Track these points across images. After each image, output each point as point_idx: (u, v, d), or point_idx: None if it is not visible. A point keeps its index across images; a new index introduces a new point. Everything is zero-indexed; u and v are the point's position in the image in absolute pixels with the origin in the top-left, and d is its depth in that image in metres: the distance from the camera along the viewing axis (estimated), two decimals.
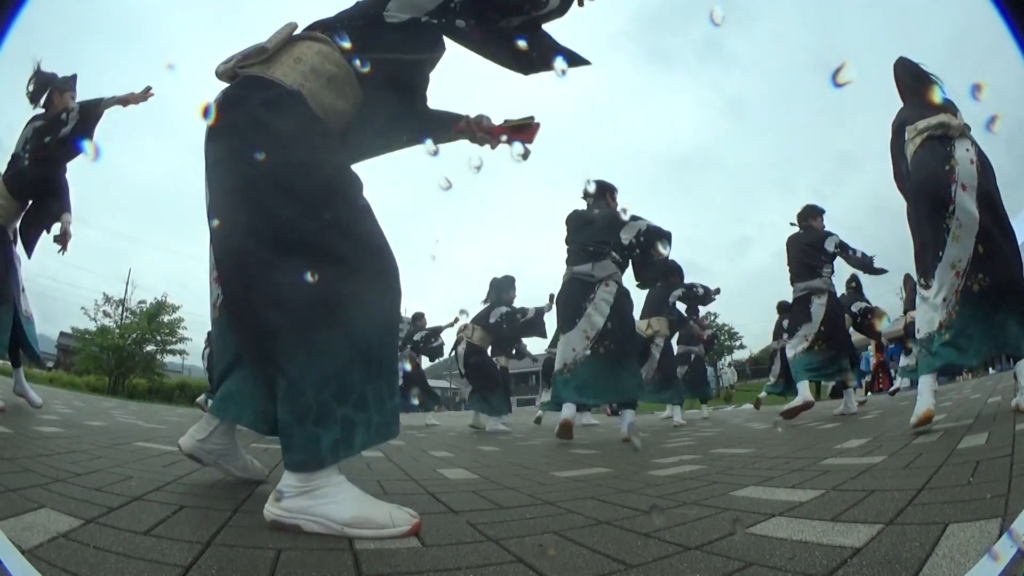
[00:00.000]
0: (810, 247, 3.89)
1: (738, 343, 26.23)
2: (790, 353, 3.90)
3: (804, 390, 3.71)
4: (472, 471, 1.85)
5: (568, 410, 3.14)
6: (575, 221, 3.45)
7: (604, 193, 3.44)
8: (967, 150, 1.98)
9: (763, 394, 6.14)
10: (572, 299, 3.31)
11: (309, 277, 1.00)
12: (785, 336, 4.11)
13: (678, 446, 2.73)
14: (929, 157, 1.97)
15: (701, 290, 5.32)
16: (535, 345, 6.52)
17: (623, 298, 3.33)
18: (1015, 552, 0.64)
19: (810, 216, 4.00)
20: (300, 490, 0.97)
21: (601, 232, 3.35)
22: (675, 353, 5.75)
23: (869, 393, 7.62)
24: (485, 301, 5.19)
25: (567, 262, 3.42)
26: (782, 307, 5.82)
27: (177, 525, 0.97)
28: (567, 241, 3.45)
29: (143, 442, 2.00)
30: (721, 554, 0.83)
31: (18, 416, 2.71)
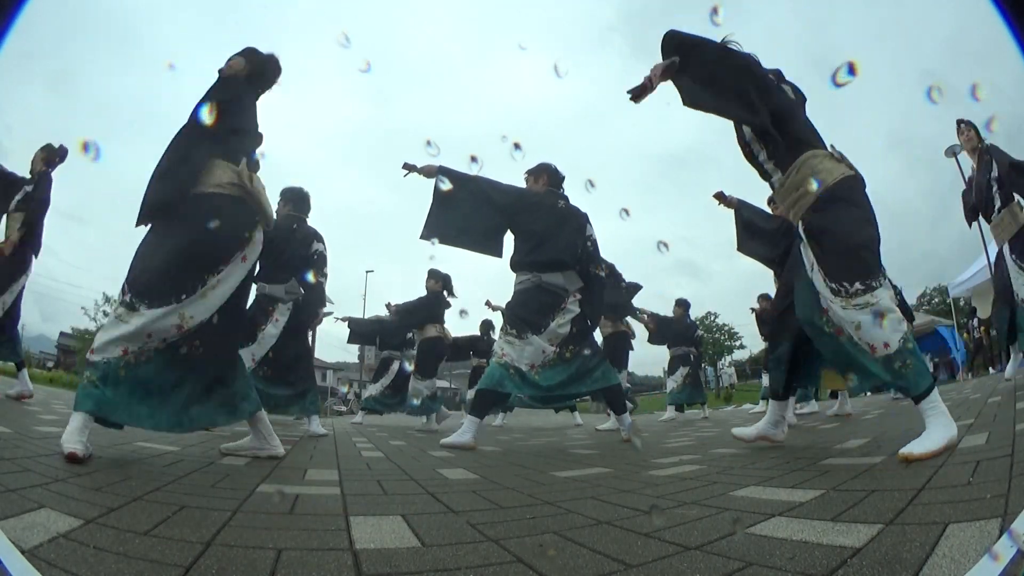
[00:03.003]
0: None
1: (738, 343, 26.21)
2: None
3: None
4: (472, 471, 1.85)
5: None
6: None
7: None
8: None
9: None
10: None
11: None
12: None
13: (678, 446, 2.73)
14: None
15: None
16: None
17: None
18: (1015, 552, 0.64)
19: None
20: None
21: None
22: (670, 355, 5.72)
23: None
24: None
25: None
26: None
27: (177, 525, 0.97)
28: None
29: (143, 442, 2.00)
30: (721, 554, 0.83)
31: (18, 416, 2.71)
